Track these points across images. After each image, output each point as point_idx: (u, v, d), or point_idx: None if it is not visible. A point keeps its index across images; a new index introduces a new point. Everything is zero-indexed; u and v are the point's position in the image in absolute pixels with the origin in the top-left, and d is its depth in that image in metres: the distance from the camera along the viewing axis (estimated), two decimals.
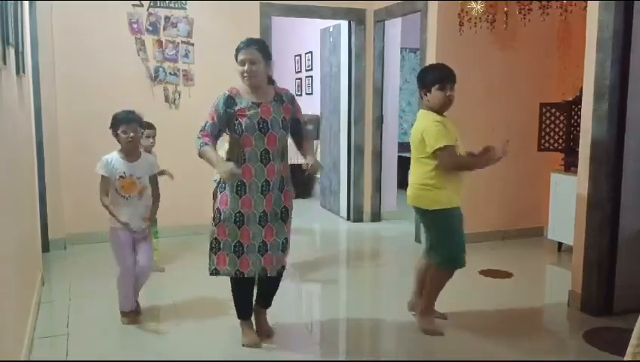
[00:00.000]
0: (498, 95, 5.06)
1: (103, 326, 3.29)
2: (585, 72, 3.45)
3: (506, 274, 4.28)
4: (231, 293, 3.04)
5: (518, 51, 5.08)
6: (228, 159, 2.87)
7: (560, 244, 4.90)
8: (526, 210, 5.33)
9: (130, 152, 3.20)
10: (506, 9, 4.42)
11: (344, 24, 5.97)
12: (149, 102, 4.92)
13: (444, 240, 3.11)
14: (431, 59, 4.86)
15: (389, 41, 5.93)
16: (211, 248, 2.94)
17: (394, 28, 5.96)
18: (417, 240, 5.09)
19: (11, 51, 2.75)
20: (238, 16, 5.29)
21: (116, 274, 3.28)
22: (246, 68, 2.79)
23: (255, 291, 3.11)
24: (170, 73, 5.16)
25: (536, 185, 5.24)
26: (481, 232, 4.96)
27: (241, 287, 3.01)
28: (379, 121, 5.97)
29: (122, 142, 3.17)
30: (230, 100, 2.84)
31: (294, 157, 3.13)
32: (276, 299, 3.18)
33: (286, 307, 3.50)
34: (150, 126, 3.84)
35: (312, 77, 7.78)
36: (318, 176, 7.00)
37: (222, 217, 2.88)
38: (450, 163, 2.97)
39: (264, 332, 3.11)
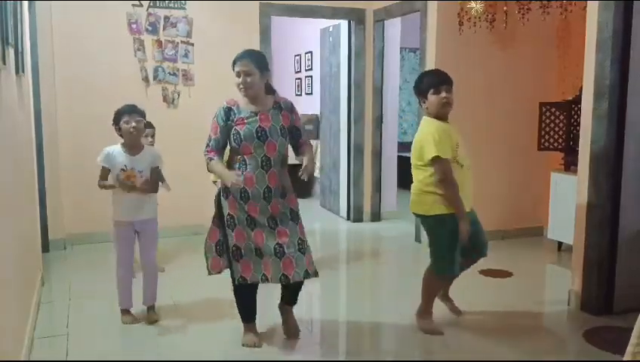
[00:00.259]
0: (498, 94, 5.06)
1: (103, 326, 3.29)
2: (585, 71, 3.45)
3: (506, 274, 4.28)
4: (231, 293, 3.03)
5: (517, 51, 5.08)
6: (228, 166, 2.91)
7: (560, 244, 4.90)
8: (526, 210, 5.33)
9: (133, 145, 3.20)
10: (505, 8, 4.43)
11: (344, 24, 5.97)
12: (148, 103, 4.92)
13: (440, 247, 3.09)
14: (430, 58, 4.86)
15: (388, 40, 5.93)
16: (233, 256, 2.90)
17: (393, 28, 5.97)
18: (417, 240, 5.09)
19: (11, 51, 2.75)
20: (237, 16, 5.30)
21: (115, 270, 3.31)
22: (241, 80, 2.82)
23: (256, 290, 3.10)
24: (169, 73, 5.16)
25: (536, 185, 5.24)
26: None
27: (244, 291, 2.97)
28: (379, 120, 5.97)
29: (125, 133, 3.17)
30: (229, 112, 2.86)
31: (293, 156, 3.13)
32: (275, 299, 3.18)
33: None
34: (149, 125, 3.84)
35: (311, 77, 7.77)
36: (318, 176, 7.00)
37: (236, 221, 2.88)
38: (439, 176, 2.96)
39: (291, 331, 3.11)
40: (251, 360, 2.90)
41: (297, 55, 8.20)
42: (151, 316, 3.31)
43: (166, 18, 5.10)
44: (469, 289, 3.45)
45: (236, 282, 2.93)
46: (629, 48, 3.25)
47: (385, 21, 5.75)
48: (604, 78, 3.30)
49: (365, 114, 5.95)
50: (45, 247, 4.63)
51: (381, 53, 5.87)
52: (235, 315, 3.10)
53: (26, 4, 3.86)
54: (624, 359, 1.97)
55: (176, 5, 5.12)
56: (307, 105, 7.45)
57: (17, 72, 3.04)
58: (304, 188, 7.16)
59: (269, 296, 3.34)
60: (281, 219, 2.88)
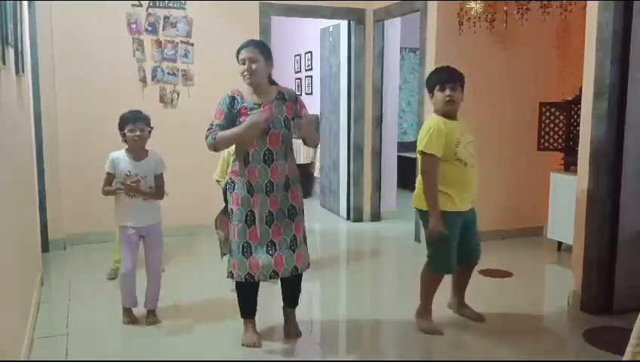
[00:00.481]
0: (498, 94, 5.06)
1: (103, 326, 3.29)
2: (584, 71, 3.45)
3: (506, 274, 4.28)
4: (231, 294, 3.03)
5: (517, 51, 5.08)
6: (234, 161, 2.91)
7: (560, 243, 4.90)
8: (526, 210, 5.33)
9: (137, 151, 3.21)
10: (505, 8, 4.43)
11: (344, 24, 5.97)
12: (147, 103, 4.92)
13: (437, 244, 3.09)
14: (430, 58, 4.86)
15: (388, 40, 5.92)
16: (230, 251, 2.96)
17: (393, 27, 5.96)
18: (417, 239, 5.09)
19: (10, 51, 2.75)
20: (237, 16, 5.29)
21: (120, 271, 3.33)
22: (246, 66, 2.81)
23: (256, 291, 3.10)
24: (168, 73, 5.15)
25: (536, 185, 5.24)
26: (480, 232, 4.94)
27: (245, 287, 2.99)
28: (378, 120, 5.97)
29: (129, 141, 3.18)
30: (233, 101, 2.85)
31: (298, 157, 3.15)
32: (276, 299, 3.17)
33: None
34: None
35: (311, 77, 7.78)
36: (318, 176, 7.01)
37: (234, 217, 2.89)
38: (423, 170, 3.01)
39: (291, 333, 3.10)
40: (251, 360, 2.90)
41: (297, 55, 8.20)
42: (151, 319, 3.30)
43: (166, 18, 5.09)
44: (469, 289, 3.45)
45: (227, 276, 2.97)
46: (628, 48, 3.25)
47: (385, 21, 5.75)
48: (604, 77, 3.30)
49: (365, 114, 5.95)
50: (45, 247, 4.63)
51: (381, 53, 5.87)
52: (235, 315, 3.10)
53: (25, 4, 3.86)
54: (624, 359, 1.97)
55: (175, 5, 5.12)
56: (307, 106, 7.43)
57: (17, 72, 3.04)
58: (304, 188, 7.14)
59: (269, 296, 3.34)
60: (278, 215, 2.88)
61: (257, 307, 3.08)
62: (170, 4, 5.10)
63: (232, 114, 2.84)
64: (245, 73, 2.82)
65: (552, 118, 4.82)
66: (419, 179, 3.12)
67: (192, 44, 5.19)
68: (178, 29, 5.14)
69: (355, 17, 5.81)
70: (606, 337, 3.11)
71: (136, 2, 4.99)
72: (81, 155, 4.76)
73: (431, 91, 3.13)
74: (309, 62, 7.84)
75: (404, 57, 7.93)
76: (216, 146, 2.82)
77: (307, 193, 7.26)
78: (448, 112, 3.08)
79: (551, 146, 4.85)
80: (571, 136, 4.69)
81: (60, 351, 2.93)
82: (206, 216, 4.83)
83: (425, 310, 3.22)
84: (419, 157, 3.09)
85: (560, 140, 4.80)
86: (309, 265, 3.06)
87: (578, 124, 4.04)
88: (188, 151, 5.08)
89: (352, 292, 4.24)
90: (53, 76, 4.75)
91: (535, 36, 5.05)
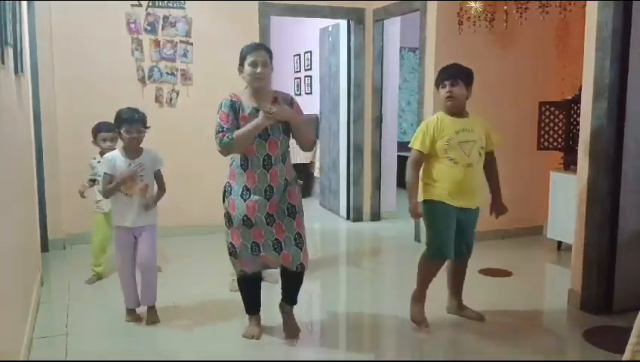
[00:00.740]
0: (497, 94, 5.06)
1: (102, 326, 3.29)
2: (584, 70, 3.45)
3: (506, 273, 4.28)
4: (231, 294, 3.04)
5: (517, 50, 5.08)
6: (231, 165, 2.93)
7: (560, 243, 4.90)
8: (525, 209, 5.32)
9: (132, 150, 3.20)
10: (505, 8, 4.42)
11: (343, 24, 5.97)
12: (146, 103, 4.92)
13: (431, 231, 3.20)
14: (430, 58, 4.86)
15: (388, 40, 5.92)
16: (230, 253, 2.98)
17: (393, 27, 5.96)
18: (417, 239, 5.09)
19: (10, 51, 2.75)
20: (237, 15, 5.29)
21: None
22: (259, 70, 2.82)
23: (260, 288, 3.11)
24: (167, 73, 5.15)
25: (535, 184, 5.24)
26: (480, 231, 4.93)
27: (247, 283, 3.04)
28: (378, 120, 5.97)
29: (124, 140, 3.18)
30: (234, 105, 2.86)
31: (295, 157, 3.16)
32: (276, 299, 3.17)
33: None
34: (111, 128, 3.88)
35: (311, 77, 7.78)
36: (318, 175, 7.00)
37: (233, 222, 2.91)
38: (408, 172, 3.14)
39: (291, 332, 3.11)
40: (251, 360, 2.90)
41: (297, 55, 8.20)
42: (150, 317, 3.30)
43: (165, 18, 5.09)
44: (469, 288, 3.45)
45: (238, 276, 3.03)
46: (628, 47, 3.25)
47: (384, 21, 5.75)
48: (603, 77, 3.30)
49: (365, 113, 5.95)
50: (45, 247, 4.62)
51: (380, 52, 5.87)
52: (235, 315, 3.10)
53: (25, 4, 3.86)
54: (623, 358, 1.97)
55: (175, 5, 5.11)
56: (306, 105, 7.42)
57: (16, 71, 3.04)
58: (304, 188, 7.16)
59: (269, 296, 3.34)
60: (279, 215, 2.90)
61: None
62: (170, 4, 5.10)
63: (235, 117, 2.85)
64: (257, 76, 2.83)
65: (551, 117, 4.82)
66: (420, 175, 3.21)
67: (192, 44, 5.19)
68: (177, 28, 5.14)
69: (355, 17, 5.81)
70: (606, 336, 3.11)
71: (136, 2, 4.99)
72: (80, 155, 4.74)
73: (436, 88, 3.21)
74: (309, 62, 7.84)
75: (404, 57, 7.93)
76: (233, 146, 2.77)
77: (307, 193, 7.26)
78: (448, 108, 3.12)
79: (551, 145, 4.85)
80: (571, 135, 4.69)
81: (59, 351, 2.93)
82: (205, 216, 4.84)
83: (419, 296, 3.26)
84: None
85: (560, 139, 4.80)
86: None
87: (578, 123, 4.04)
88: (187, 151, 5.08)
89: (352, 292, 4.24)
90: (53, 76, 4.74)
91: (535, 35, 5.05)
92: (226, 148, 2.79)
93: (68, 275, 4.15)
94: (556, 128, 4.81)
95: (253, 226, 2.87)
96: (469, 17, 4.47)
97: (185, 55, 5.18)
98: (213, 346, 3.04)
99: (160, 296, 3.39)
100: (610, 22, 3.23)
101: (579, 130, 3.60)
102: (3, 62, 2.45)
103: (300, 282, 3.10)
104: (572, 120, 4.67)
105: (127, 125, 3.14)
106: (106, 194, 3.23)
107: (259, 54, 2.85)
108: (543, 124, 4.84)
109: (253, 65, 2.83)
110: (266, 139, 2.83)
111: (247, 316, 3.14)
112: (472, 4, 4.41)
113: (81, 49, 4.87)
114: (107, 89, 4.87)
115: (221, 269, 3.99)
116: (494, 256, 4.65)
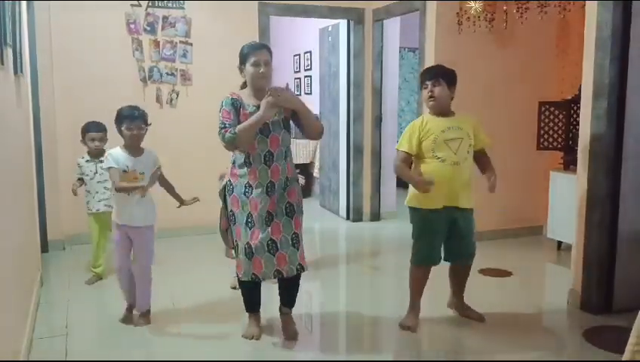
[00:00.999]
0: (497, 94, 5.06)
1: (102, 326, 3.29)
2: (584, 70, 3.45)
3: (506, 273, 4.28)
4: (230, 294, 3.04)
5: (517, 50, 5.08)
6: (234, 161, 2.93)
7: (559, 243, 4.90)
8: (525, 209, 5.33)
9: (134, 147, 3.19)
10: (505, 8, 4.42)
11: (343, 23, 5.96)
12: (149, 103, 4.92)
13: (415, 237, 3.20)
14: (430, 58, 4.86)
15: (387, 40, 5.92)
16: (235, 252, 2.99)
17: (393, 27, 5.96)
18: None
19: (9, 51, 2.75)
20: (236, 15, 5.29)
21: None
22: (262, 69, 2.84)
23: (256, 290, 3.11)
24: (166, 73, 5.15)
25: (535, 184, 5.24)
26: (480, 231, 4.94)
27: (247, 285, 3.03)
28: (378, 120, 5.97)
29: (125, 137, 3.17)
30: (235, 102, 2.86)
31: (295, 157, 3.16)
32: (276, 298, 3.17)
33: None
34: (100, 128, 3.92)
35: (310, 77, 7.77)
36: (318, 175, 7.00)
37: (236, 219, 2.91)
38: (394, 165, 3.16)
39: (288, 334, 3.09)
40: (251, 360, 2.90)
41: (296, 55, 8.20)
42: (141, 320, 3.25)
43: (165, 18, 5.09)
44: (469, 288, 3.45)
45: (234, 275, 3.03)
46: (628, 47, 3.25)
47: (384, 21, 5.75)
48: (603, 77, 3.30)
49: (364, 113, 5.95)
50: (44, 248, 4.62)
51: (380, 52, 5.87)
52: (235, 315, 3.10)
53: (24, 4, 3.86)
54: (623, 358, 1.97)
55: (174, 5, 5.11)
56: (306, 105, 7.44)
57: (15, 72, 3.03)
58: (304, 188, 7.15)
59: (269, 296, 3.34)
60: (277, 213, 2.89)
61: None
62: (169, 4, 5.10)
63: (237, 114, 2.85)
64: (260, 75, 2.84)
65: (551, 117, 4.82)
66: None
67: (191, 44, 5.19)
68: (177, 28, 5.14)
69: (355, 17, 5.81)
70: (606, 336, 3.11)
71: (136, 2, 4.99)
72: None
73: (420, 90, 3.22)
74: (309, 62, 7.83)
75: (404, 57, 7.92)
76: (237, 140, 2.75)
77: (307, 193, 7.26)
78: (433, 108, 3.12)
79: (550, 145, 4.85)
80: (571, 135, 4.69)
81: (59, 351, 2.93)
82: (204, 217, 4.84)
83: (410, 306, 3.26)
84: None
85: (559, 139, 4.80)
86: None
87: (577, 123, 4.04)
88: (186, 151, 5.08)
89: (352, 292, 4.24)
90: (52, 76, 4.74)
91: (534, 35, 5.05)
92: (230, 143, 2.78)
93: (67, 276, 4.15)
94: (556, 128, 4.81)
95: (254, 226, 2.86)
96: (468, 17, 4.47)
97: (184, 55, 5.18)
98: (213, 346, 3.04)
99: (159, 296, 3.38)
100: (609, 22, 3.23)
101: (578, 130, 3.60)
102: (2, 63, 2.45)
103: (297, 286, 3.10)
104: (572, 120, 4.67)
105: (128, 122, 3.13)
106: (120, 189, 3.13)
107: (261, 54, 2.86)
108: (542, 124, 4.84)
109: (256, 64, 2.84)
110: (267, 135, 2.83)
111: (247, 316, 3.14)
112: (472, 4, 4.41)
113: (81, 49, 4.86)
114: (107, 89, 4.87)
115: (220, 269, 3.99)
116: (494, 256, 4.65)
